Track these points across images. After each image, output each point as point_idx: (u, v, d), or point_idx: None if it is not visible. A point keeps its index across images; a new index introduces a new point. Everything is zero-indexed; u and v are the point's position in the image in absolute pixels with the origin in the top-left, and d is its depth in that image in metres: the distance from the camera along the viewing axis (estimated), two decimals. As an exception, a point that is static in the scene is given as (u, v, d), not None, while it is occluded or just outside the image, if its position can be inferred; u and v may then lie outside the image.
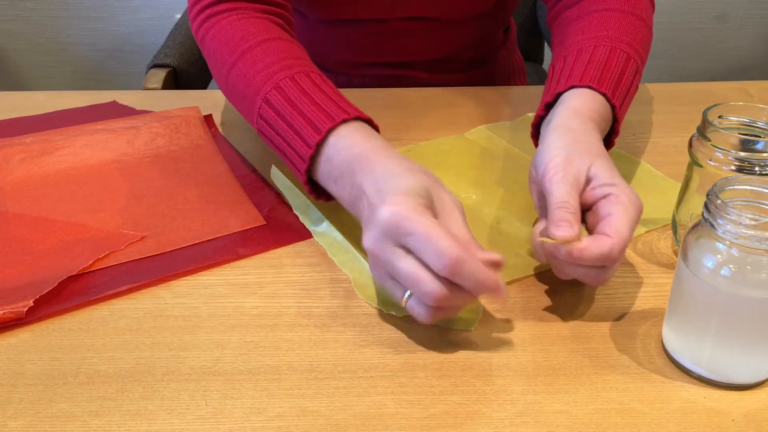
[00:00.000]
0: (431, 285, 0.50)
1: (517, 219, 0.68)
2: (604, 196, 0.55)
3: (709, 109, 0.59)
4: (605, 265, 0.54)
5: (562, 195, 0.55)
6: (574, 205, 0.55)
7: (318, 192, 0.64)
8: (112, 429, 0.48)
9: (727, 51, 1.93)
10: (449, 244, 0.49)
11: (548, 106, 0.66)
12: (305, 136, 0.61)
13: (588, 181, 0.57)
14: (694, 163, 0.59)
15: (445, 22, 0.92)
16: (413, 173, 0.55)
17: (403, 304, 0.53)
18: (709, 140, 0.57)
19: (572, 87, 0.65)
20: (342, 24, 0.91)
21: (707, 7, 1.86)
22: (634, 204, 0.55)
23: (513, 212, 0.69)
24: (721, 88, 0.93)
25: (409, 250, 0.51)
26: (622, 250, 0.53)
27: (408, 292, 0.52)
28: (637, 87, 0.71)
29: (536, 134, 0.67)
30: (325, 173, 0.61)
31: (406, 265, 0.51)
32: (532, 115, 0.86)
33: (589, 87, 0.64)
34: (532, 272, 0.62)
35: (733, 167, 0.56)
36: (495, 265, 0.52)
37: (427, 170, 0.57)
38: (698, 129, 0.59)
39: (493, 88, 0.95)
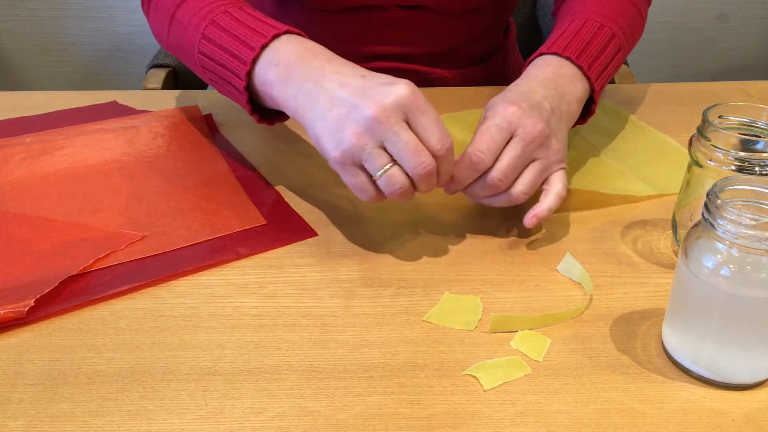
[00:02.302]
0: (429, 157, 0.57)
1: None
2: (482, 121, 0.63)
3: (709, 109, 0.59)
4: (479, 170, 0.61)
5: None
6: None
7: (259, 112, 0.69)
8: (112, 429, 0.48)
9: (727, 51, 1.93)
10: (447, 131, 0.59)
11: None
12: (249, 41, 0.65)
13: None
14: (694, 163, 0.59)
15: (443, 13, 0.92)
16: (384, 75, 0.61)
17: (378, 175, 0.58)
18: (709, 140, 0.57)
19: (553, 54, 0.70)
20: (340, 13, 0.91)
21: (707, 7, 1.86)
22: (494, 113, 0.62)
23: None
24: (721, 88, 0.93)
25: (409, 126, 0.58)
26: (481, 153, 0.60)
27: (390, 164, 0.58)
28: (618, 65, 0.75)
29: None
30: (267, 61, 0.65)
31: (411, 137, 0.57)
32: None
33: (568, 58, 0.69)
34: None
35: (733, 167, 0.56)
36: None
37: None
38: (698, 129, 0.59)
39: (493, 88, 0.95)
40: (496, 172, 0.61)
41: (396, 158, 0.58)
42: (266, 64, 0.64)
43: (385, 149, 0.58)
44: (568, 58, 0.69)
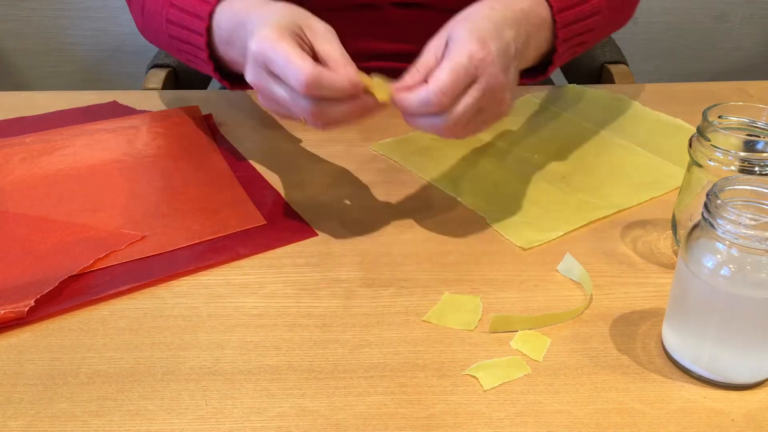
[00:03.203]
0: (303, 103, 0.57)
1: (580, 173, 0.75)
2: (445, 51, 0.60)
3: (709, 109, 0.59)
4: (433, 110, 0.57)
5: (419, 60, 0.62)
6: (422, 66, 0.61)
7: (227, 77, 0.72)
8: (112, 429, 0.48)
9: (727, 51, 1.92)
10: (303, 63, 0.56)
11: None
12: (199, 12, 0.70)
13: (447, 43, 0.61)
14: (693, 163, 0.59)
15: (439, 11, 0.92)
16: (282, 9, 0.62)
17: (303, 122, 0.59)
18: (709, 140, 0.57)
19: None
20: (337, 12, 0.91)
21: (707, 7, 1.86)
22: (461, 51, 0.58)
23: (571, 167, 0.76)
24: (721, 88, 0.93)
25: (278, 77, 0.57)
26: (443, 95, 0.56)
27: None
28: (590, 29, 0.74)
29: None
30: (221, 42, 0.69)
31: (281, 91, 0.58)
32: (530, 96, 0.91)
33: None
34: (603, 215, 0.69)
35: (733, 167, 0.56)
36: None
37: (299, 7, 0.63)
38: (698, 129, 0.59)
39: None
40: (447, 120, 0.58)
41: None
42: (216, 29, 0.69)
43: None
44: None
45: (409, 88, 0.59)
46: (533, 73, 0.73)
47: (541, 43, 0.69)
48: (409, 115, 0.60)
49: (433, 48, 0.62)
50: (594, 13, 0.73)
